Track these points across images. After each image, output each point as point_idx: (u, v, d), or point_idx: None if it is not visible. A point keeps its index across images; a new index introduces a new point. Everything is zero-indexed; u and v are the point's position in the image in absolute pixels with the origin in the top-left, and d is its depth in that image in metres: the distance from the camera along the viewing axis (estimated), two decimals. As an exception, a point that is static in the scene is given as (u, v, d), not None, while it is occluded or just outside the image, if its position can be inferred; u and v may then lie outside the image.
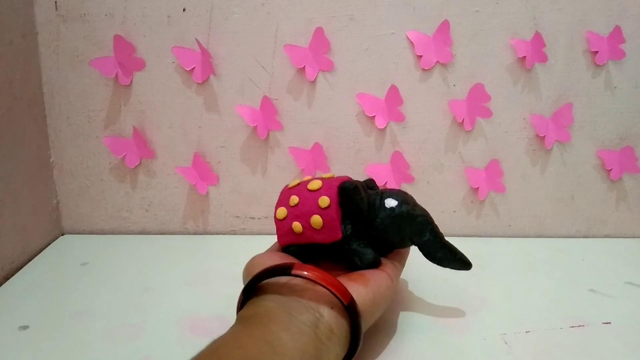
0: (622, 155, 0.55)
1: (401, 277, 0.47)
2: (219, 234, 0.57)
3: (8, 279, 0.46)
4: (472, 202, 0.56)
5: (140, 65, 0.51)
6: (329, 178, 0.38)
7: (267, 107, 0.52)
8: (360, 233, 0.36)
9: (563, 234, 0.57)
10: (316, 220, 0.35)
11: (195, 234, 0.57)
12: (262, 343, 0.26)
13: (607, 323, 0.40)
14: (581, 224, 0.57)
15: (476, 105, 0.52)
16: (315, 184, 0.37)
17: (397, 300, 0.43)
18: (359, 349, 0.31)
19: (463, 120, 0.53)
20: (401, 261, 0.39)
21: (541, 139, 0.54)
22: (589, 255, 0.52)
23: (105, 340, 0.37)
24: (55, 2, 0.50)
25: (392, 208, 0.36)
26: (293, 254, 0.37)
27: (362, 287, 0.33)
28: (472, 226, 0.57)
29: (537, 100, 0.53)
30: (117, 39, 0.50)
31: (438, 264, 0.37)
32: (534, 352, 0.36)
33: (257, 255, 0.37)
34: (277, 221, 0.37)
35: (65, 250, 0.52)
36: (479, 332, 0.38)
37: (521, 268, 0.49)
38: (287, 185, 0.40)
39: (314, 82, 0.52)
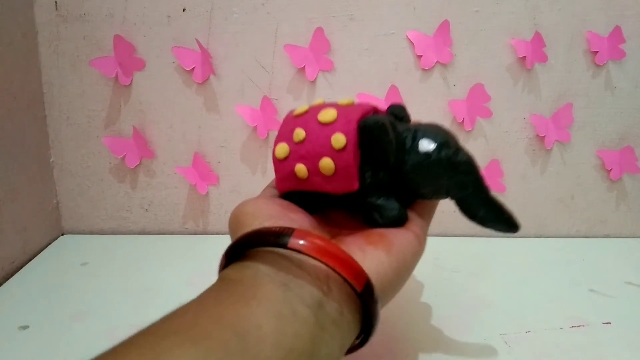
0: (622, 155, 0.55)
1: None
2: (219, 234, 0.57)
3: (8, 279, 0.46)
4: (472, 202, 0.56)
5: (140, 65, 0.51)
6: (346, 105, 0.29)
7: (267, 107, 0.52)
8: (382, 181, 0.29)
9: (563, 234, 0.57)
10: (327, 164, 0.27)
11: (195, 234, 0.57)
12: (230, 335, 0.18)
13: (607, 323, 0.40)
14: (581, 224, 0.57)
15: (476, 105, 0.52)
16: (328, 115, 0.28)
17: (396, 300, 0.42)
18: (370, 339, 0.25)
19: (463, 120, 0.53)
20: (429, 215, 0.32)
21: (541, 139, 0.54)
22: (589, 255, 0.52)
23: (105, 340, 0.36)
24: (55, 2, 0.49)
25: (427, 153, 0.28)
26: (296, 201, 0.30)
27: (383, 254, 0.25)
28: (472, 226, 0.56)
29: (537, 100, 0.53)
30: (117, 39, 0.50)
31: (479, 223, 0.30)
32: (534, 352, 0.36)
33: (249, 201, 0.29)
34: (276, 161, 0.30)
35: (65, 250, 0.52)
36: (479, 332, 0.38)
37: (521, 268, 0.49)
38: (291, 112, 0.31)
39: (314, 82, 0.52)
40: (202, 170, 0.54)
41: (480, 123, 0.54)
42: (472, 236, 0.57)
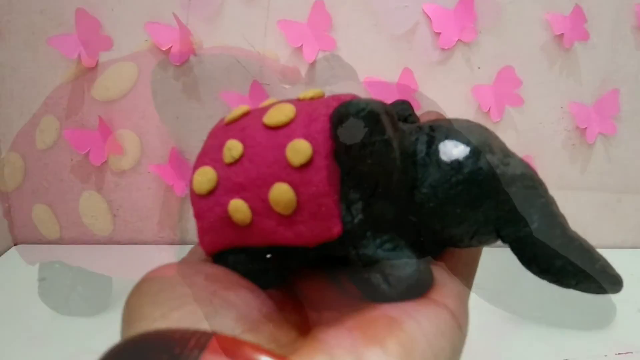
0: (677, 150, 0.52)
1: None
2: (200, 243, 0.52)
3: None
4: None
5: (107, 44, 0.49)
6: (311, 99, 0.19)
7: (257, 93, 0.49)
8: (382, 218, 0.18)
9: (608, 244, 0.55)
10: (282, 194, 0.17)
11: (172, 243, 0.54)
12: None
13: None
14: (629, 232, 0.55)
15: (505, 91, 0.50)
16: (280, 113, 0.18)
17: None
18: None
19: (489, 110, 0.51)
20: (469, 273, 0.21)
21: (582, 131, 0.52)
22: (638, 270, 0.47)
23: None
24: (6, -31, 0.47)
25: (456, 164, 0.18)
26: (240, 267, 0.19)
27: None
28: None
29: (576, 85, 0.51)
30: (80, 13, 0.47)
31: (554, 280, 0.19)
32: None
33: (158, 270, 0.18)
34: (195, 198, 0.19)
35: (19, 263, 0.51)
36: None
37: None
38: (222, 119, 0.21)
39: (312, 64, 0.49)
40: (181, 168, 0.51)
41: (509, 113, 0.51)
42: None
